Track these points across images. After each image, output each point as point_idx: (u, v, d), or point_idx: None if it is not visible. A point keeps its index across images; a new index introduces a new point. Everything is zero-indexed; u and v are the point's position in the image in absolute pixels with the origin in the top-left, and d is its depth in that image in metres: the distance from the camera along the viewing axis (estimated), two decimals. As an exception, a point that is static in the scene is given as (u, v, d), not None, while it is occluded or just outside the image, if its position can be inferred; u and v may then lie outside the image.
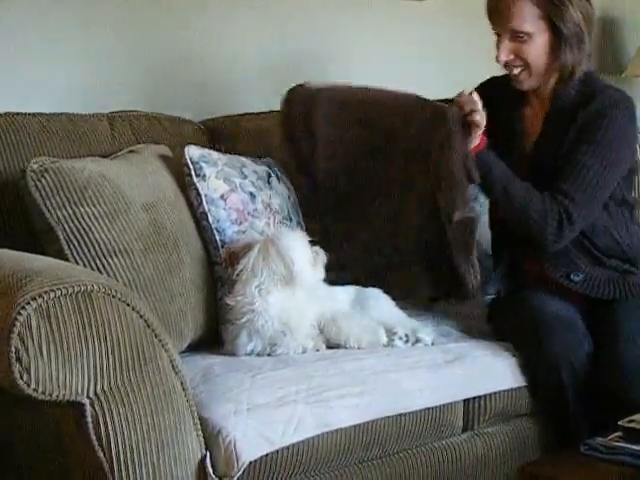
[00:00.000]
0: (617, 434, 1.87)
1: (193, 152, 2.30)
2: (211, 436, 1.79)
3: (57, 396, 1.62)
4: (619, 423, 1.88)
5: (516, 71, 2.29)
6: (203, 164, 2.29)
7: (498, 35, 2.28)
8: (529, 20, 2.22)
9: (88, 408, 1.66)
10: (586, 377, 2.18)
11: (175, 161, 2.33)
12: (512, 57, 2.27)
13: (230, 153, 2.45)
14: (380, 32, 3.13)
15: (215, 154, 2.36)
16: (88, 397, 1.65)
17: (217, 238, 2.25)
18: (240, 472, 1.77)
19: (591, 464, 1.82)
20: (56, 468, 1.82)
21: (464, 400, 2.15)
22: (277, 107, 2.77)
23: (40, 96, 2.49)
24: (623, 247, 2.36)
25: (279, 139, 2.49)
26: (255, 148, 2.60)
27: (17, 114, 2.28)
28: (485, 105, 2.28)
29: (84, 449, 1.68)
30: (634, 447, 1.81)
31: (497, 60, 2.28)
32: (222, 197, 2.28)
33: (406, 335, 2.22)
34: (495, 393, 2.18)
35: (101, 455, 1.67)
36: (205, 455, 1.77)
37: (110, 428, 1.66)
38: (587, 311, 2.32)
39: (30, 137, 2.24)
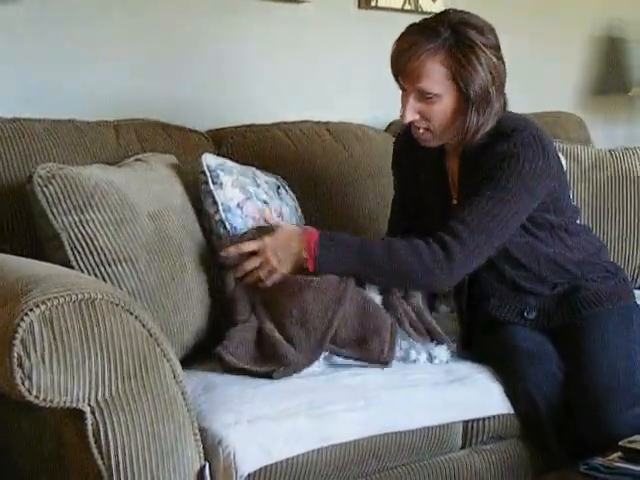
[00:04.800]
0: (617, 454, 1.86)
1: (210, 160, 2.30)
2: (211, 447, 1.78)
3: (58, 403, 1.61)
4: (620, 443, 1.87)
5: (420, 131, 2.24)
6: (220, 172, 2.28)
7: (404, 91, 2.21)
8: (438, 81, 2.15)
9: (89, 416, 1.65)
10: (562, 404, 2.18)
11: (182, 170, 2.33)
12: (417, 117, 2.21)
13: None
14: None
15: (230, 163, 2.36)
16: (89, 405, 1.65)
17: (234, 246, 2.25)
18: (239, 484, 1.77)
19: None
20: (56, 475, 1.82)
21: (464, 420, 2.15)
22: (282, 119, 2.80)
23: (47, 102, 2.50)
24: (570, 267, 2.34)
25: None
26: (260, 159, 2.61)
27: (24, 120, 2.28)
28: (406, 161, 2.40)
29: (84, 456, 1.68)
30: (634, 467, 1.81)
31: (401, 119, 2.22)
32: (238, 205, 2.27)
33: (422, 353, 2.22)
34: (494, 416, 2.17)
35: (100, 463, 1.66)
36: (204, 466, 1.76)
37: (110, 436, 1.66)
38: (554, 333, 2.31)
39: (36, 143, 2.25)
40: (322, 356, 2.10)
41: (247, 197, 2.30)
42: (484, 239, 2.17)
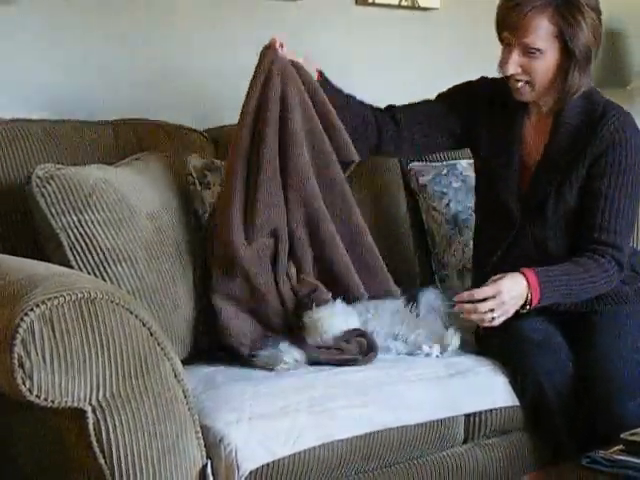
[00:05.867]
0: (619, 447, 1.86)
1: (196, 162, 2.31)
2: (212, 445, 1.79)
3: (59, 403, 1.62)
4: (621, 436, 1.87)
5: (519, 84, 2.29)
6: (207, 172, 2.29)
7: (507, 45, 2.27)
8: (543, 37, 2.21)
9: (90, 415, 1.66)
10: (571, 395, 2.18)
11: (180, 170, 2.33)
12: (519, 70, 2.26)
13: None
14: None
15: (218, 162, 2.37)
16: (90, 404, 1.65)
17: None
18: (241, 481, 1.77)
19: (592, 477, 1.82)
20: (58, 475, 1.82)
21: (465, 414, 2.15)
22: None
23: (45, 103, 2.50)
24: None
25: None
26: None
27: (22, 120, 2.29)
28: (482, 104, 2.39)
29: (85, 456, 1.69)
30: (636, 460, 1.81)
31: (501, 70, 2.28)
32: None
33: (431, 347, 2.24)
34: (496, 409, 2.18)
35: (102, 462, 1.67)
36: (206, 464, 1.77)
37: (112, 435, 1.66)
38: (564, 324, 2.31)
39: (35, 144, 2.25)
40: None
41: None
42: (629, 235, 2.33)
